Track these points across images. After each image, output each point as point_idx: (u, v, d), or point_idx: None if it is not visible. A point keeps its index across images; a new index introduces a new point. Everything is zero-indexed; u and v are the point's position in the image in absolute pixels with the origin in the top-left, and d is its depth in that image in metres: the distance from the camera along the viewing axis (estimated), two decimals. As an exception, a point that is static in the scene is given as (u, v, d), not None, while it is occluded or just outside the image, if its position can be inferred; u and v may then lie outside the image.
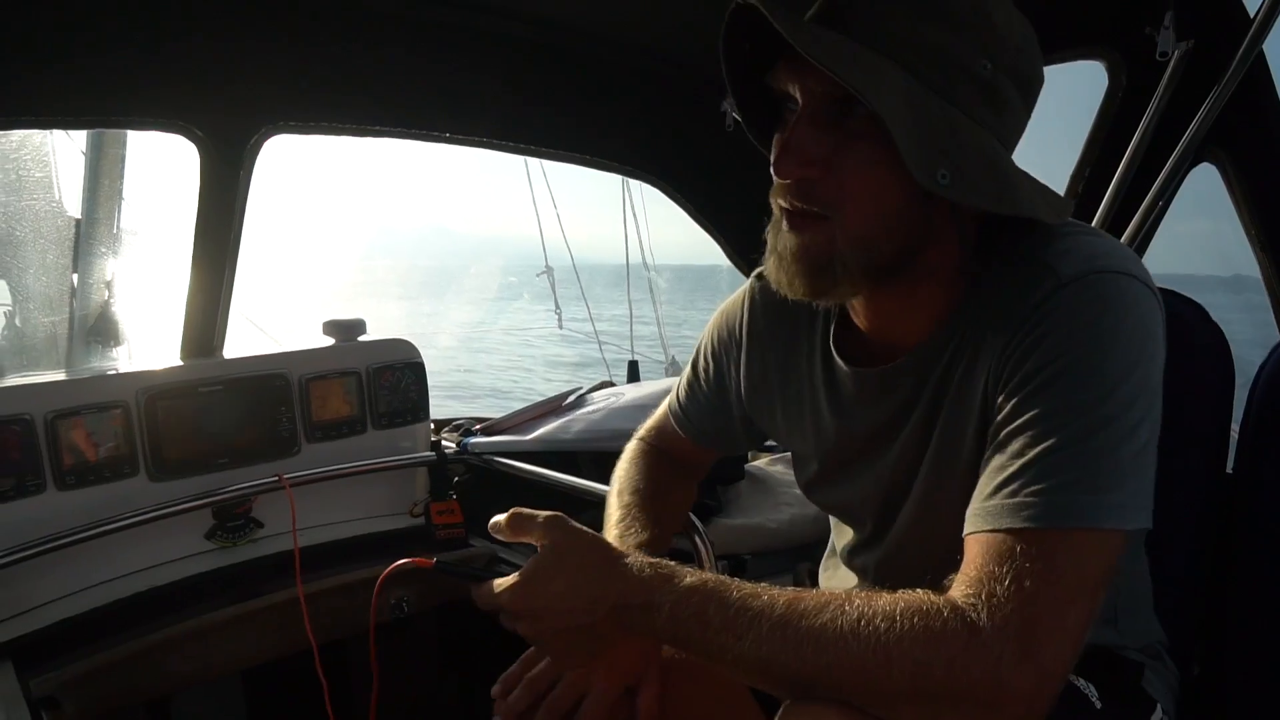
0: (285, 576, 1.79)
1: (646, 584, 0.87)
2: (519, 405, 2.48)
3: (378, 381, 2.14)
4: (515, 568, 0.95)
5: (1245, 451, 1.27)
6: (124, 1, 1.56)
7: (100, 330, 2.64)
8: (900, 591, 0.79)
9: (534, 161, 6.04)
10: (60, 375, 1.81)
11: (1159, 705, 1.05)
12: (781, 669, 0.79)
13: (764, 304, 1.18)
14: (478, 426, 2.40)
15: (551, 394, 2.55)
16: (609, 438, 2.19)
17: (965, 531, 0.83)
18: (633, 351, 6.15)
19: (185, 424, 1.85)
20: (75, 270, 2.67)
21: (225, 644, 1.70)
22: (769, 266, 0.95)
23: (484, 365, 17.20)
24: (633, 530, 1.18)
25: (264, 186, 1.91)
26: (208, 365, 1.93)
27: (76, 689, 1.48)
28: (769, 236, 0.96)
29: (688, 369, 1.32)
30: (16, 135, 2.60)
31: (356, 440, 2.11)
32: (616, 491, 1.29)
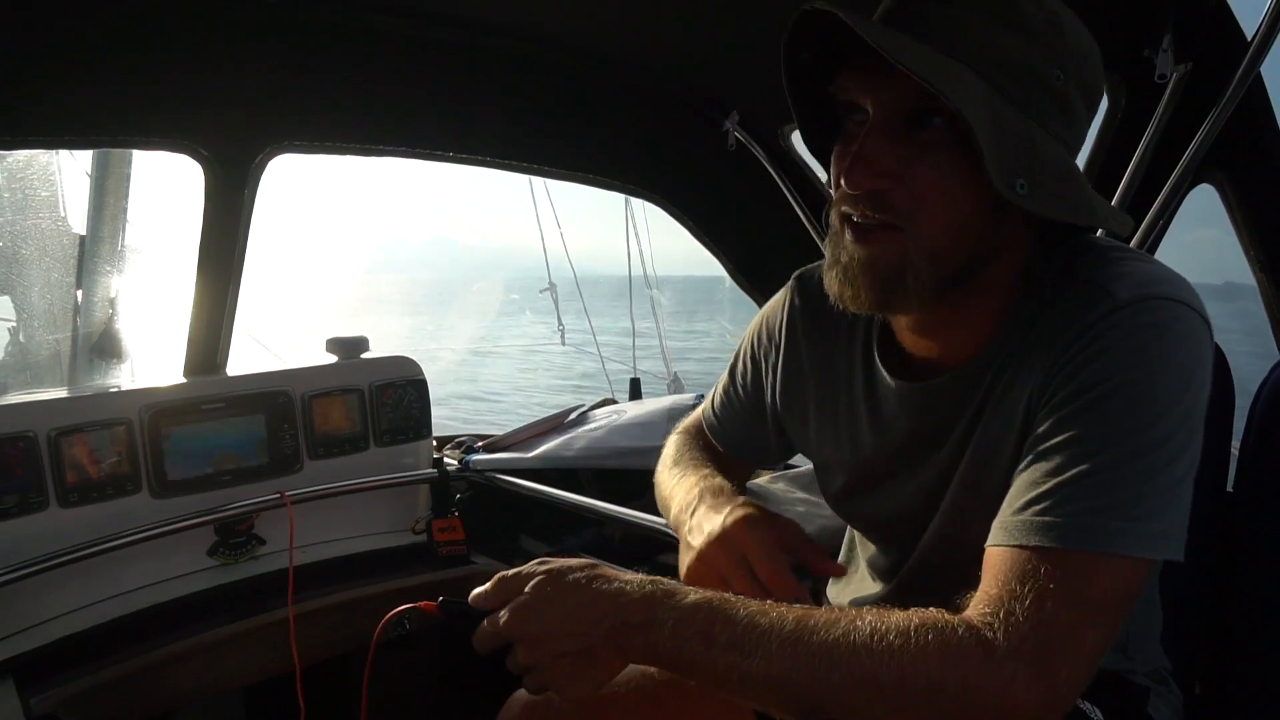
0: (287, 594, 1.79)
1: (647, 600, 0.84)
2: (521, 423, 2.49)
3: (380, 399, 2.14)
4: None
5: (1246, 470, 1.28)
6: (129, 23, 1.58)
7: (104, 347, 2.65)
8: (913, 609, 0.78)
9: (537, 178, 6.06)
10: (63, 392, 1.81)
11: None
12: (792, 687, 0.77)
13: (803, 307, 1.17)
14: (480, 444, 2.41)
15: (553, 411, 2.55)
16: (611, 455, 2.19)
17: (989, 542, 0.82)
18: (635, 369, 6.15)
19: (188, 441, 1.85)
20: (79, 287, 2.68)
21: (227, 661, 1.70)
22: (828, 279, 0.92)
23: (486, 377, 17.24)
24: (707, 472, 1.21)
25: (267, 198, 1.92)
26: (211, 382, 1.94)
27: (77, 707, 1.48)
28: (827, 249, 0.93)
29: (724, 376, 1.30)
30: (23, 155, 2.62)
31: (359, 457, 2.12)
32: (672, 463, 1.29)
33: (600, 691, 0.90)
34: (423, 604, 1.02)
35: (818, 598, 1.36)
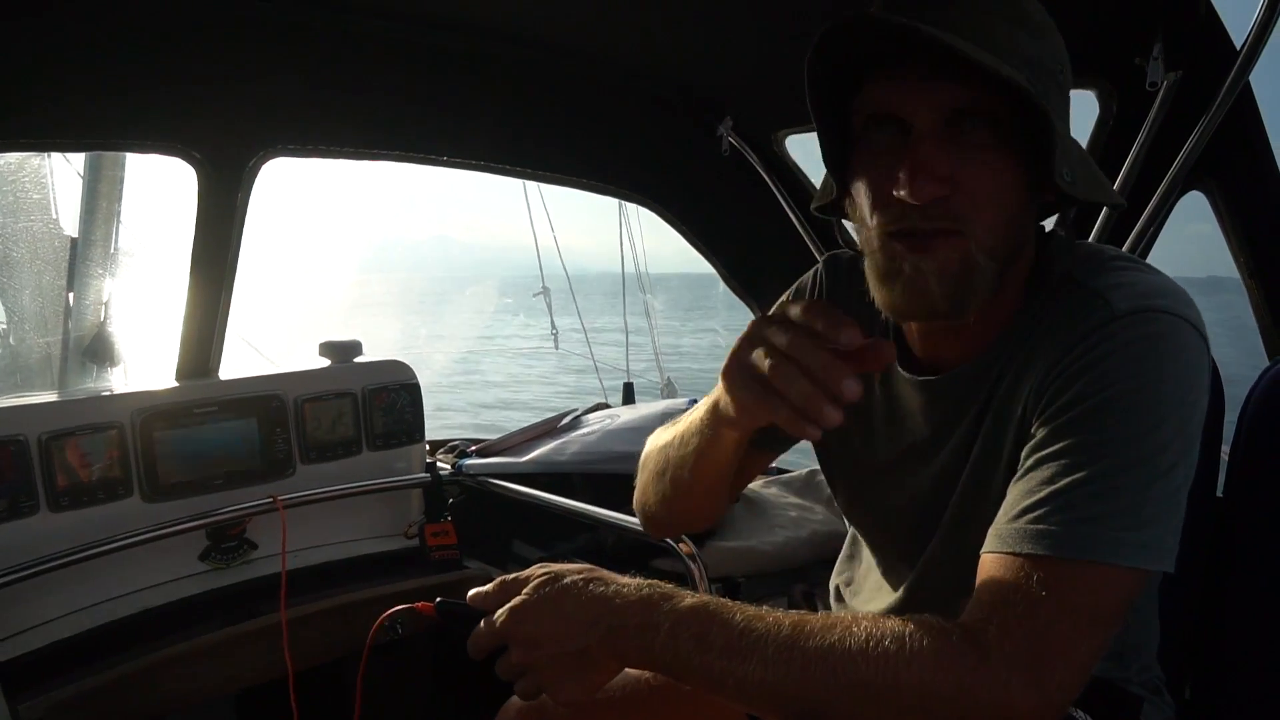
0: (279, 598, 1.79)
1: (644, 604, 0.84)
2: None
3: (373, 403, 2.14)
4: None
5: (1236, 474, 1.28)
6: (123, 25, 1.57)
7: (95, 351, 2.64)
8: (910, 615, 0.79)
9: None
10: (54, 396, 1.81)
11: None
12: (787, 692, 0.77)
13: (831, 294, 1.16)
14: (473, 448, 2.40)
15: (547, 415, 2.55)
16: (604, 460, 2.19)
17: (984, 549, 0.82)
18: (629, 373, 6.14)
19: (180, 445, 1.84)
20: (70, 290, 2.67)
21: (218, 666, 1.69)
22: (887, 294, 0.90)
23: (480, 383, 17.20)
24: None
25: (263, 194, 1.91)
26: (203, 386, 1.94)
27: (67, 713, 1.47)
28: (875, 265, 0.90)
29: None
30: (15, 157, 2.61)
31: (352, 461, 2.11)
32: (656, 438, 1.22)
33: (595, 696, 0.90)
34: (419, 605, 1.01)
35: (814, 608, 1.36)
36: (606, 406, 2.68)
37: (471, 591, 0.94)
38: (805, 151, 2.11)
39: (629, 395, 3.10)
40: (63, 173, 2.68)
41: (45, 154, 2.61)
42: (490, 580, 0.93)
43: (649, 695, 1.14)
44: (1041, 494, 0.80)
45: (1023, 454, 0.86)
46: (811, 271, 1.21)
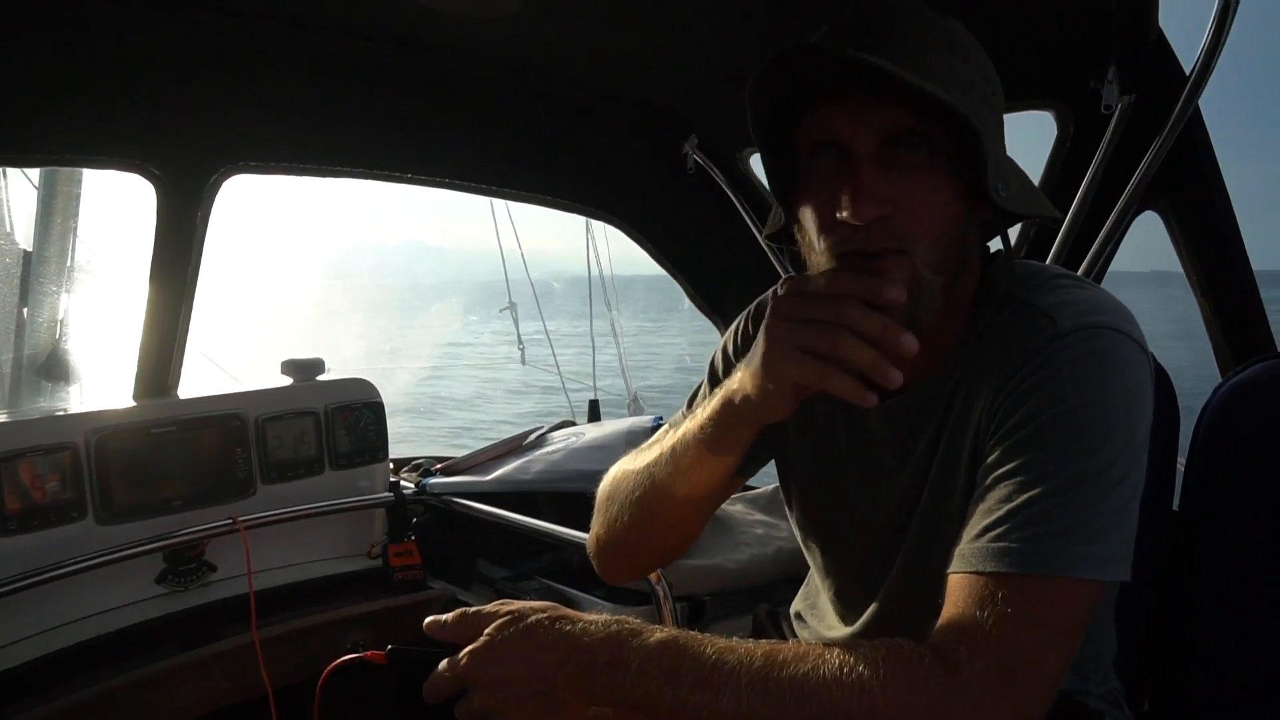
0: (239, 621, 1.75)
1: (612, 640, 0.83)
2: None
3: (336, 421, 2.12)
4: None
5: (1191, 488, 1.31)
6: (79, 40, 1.55)
7: (50, 369, 2.59)
8: (880, 639, 0.79)
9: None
10: (4, 416, 1.77)
11: None
12: None
13: None
14: (437, 466, 2.38)
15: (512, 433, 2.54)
16: (569, 478, 2.18)
17: (950, 570, 0.83)
18: (595, 390, 6.13)
19: (136, 466, 1.81)
20: (24, 305, 2.62)
21: (176, 692, 1.66)
22: None
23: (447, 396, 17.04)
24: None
25: (224, 199, 1.88)
26: (161, 406, 1.90)
27: None
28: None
29: (703, 379, 1.25)
30: (-34, 171, 2.57)
31: (314, 481, 2.09)
32: (628, 461, 1.18)
33: None
34: (369, 654, 0.97)
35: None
36: (572, 424, 2.67)
37: (429, 619, 0.92)
38: (770, 170, 2.12)
39: (594, 413, 3.09)
40: (18, 184, 2.63)
41: (-1, 168, 2.57)
42: (453, 601, 0.91)
43: None
44: (1000, 512, 0.82)
45: (980, 473, 0.87)
46: (770, 291, 1.20)
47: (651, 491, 1.09)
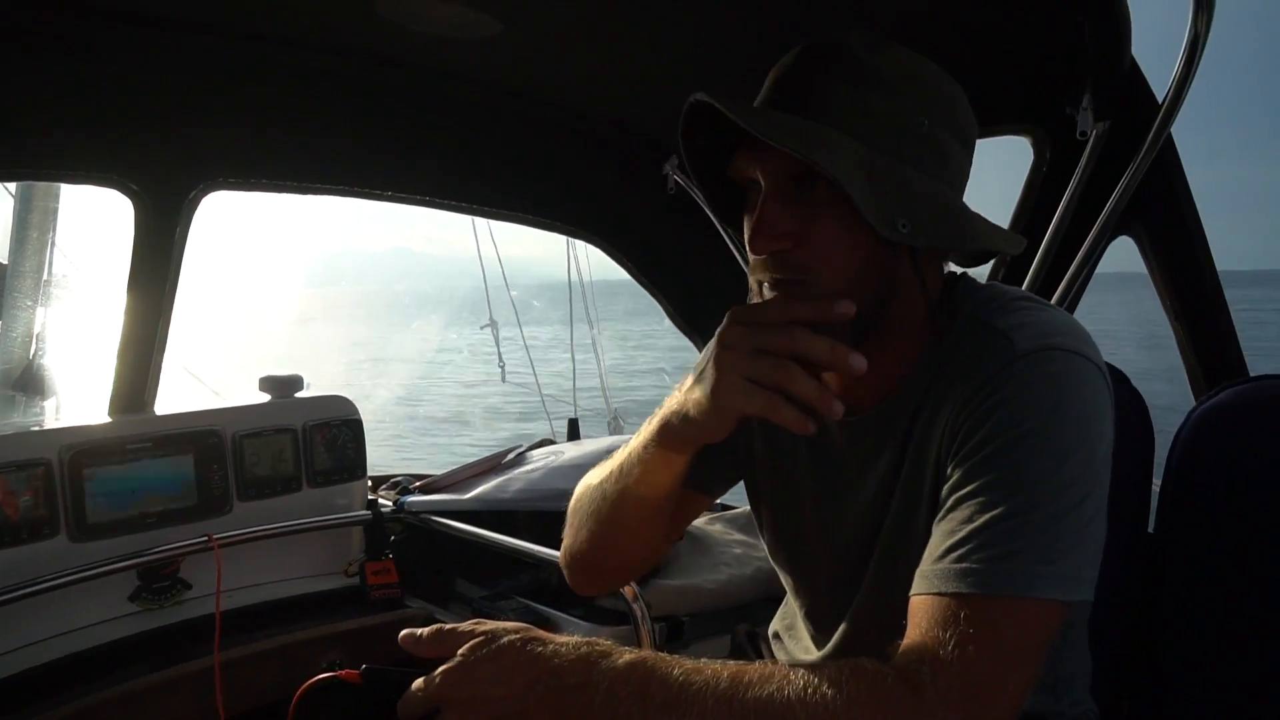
0: (213, 640, 1.73)
1: (582, 662, 0.84)
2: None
3: (314, 438, 2.11)
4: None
5: (1165, 512, 1.32)
6: (58, 54, 1.55)
7: (25, 383, 2.56)
8: (845, 661, 0.80)
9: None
10: None
11: None
12: None
13: None
14: (415, 484, 2.37)
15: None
16: (548, 497, 2.17)
17: (913, 591, 0.85)
18: (575, 408, 6.13)
19: (111, 482, 1.79)
20: (-1, 318, 2.60)
21: (148, 712, 1.63)
22: None
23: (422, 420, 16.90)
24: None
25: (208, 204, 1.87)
26: (137, 422, 1.89)
27: None
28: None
29: None
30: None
31: (291, 498, 2.07)
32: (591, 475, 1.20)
33: None
34: (344, 673, 0.97)
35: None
36: (551, 442, 2.67)
37: (404, 632, 0.92)
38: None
39: (574, 431, 3.09)
40: (-4, 193, 2.61)
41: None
42: (431, 620, 0.90)
43: None
44: (962, 533, 0.83)
45: (942, 494, 0.89)
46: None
47: (606, 508, 1.12)
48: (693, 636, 1.83)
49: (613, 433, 5.68)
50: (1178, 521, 1.31)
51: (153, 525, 1.84)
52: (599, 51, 1.73)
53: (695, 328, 2.46)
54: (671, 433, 0.98)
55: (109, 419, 1.89)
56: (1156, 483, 1.36)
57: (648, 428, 1.03)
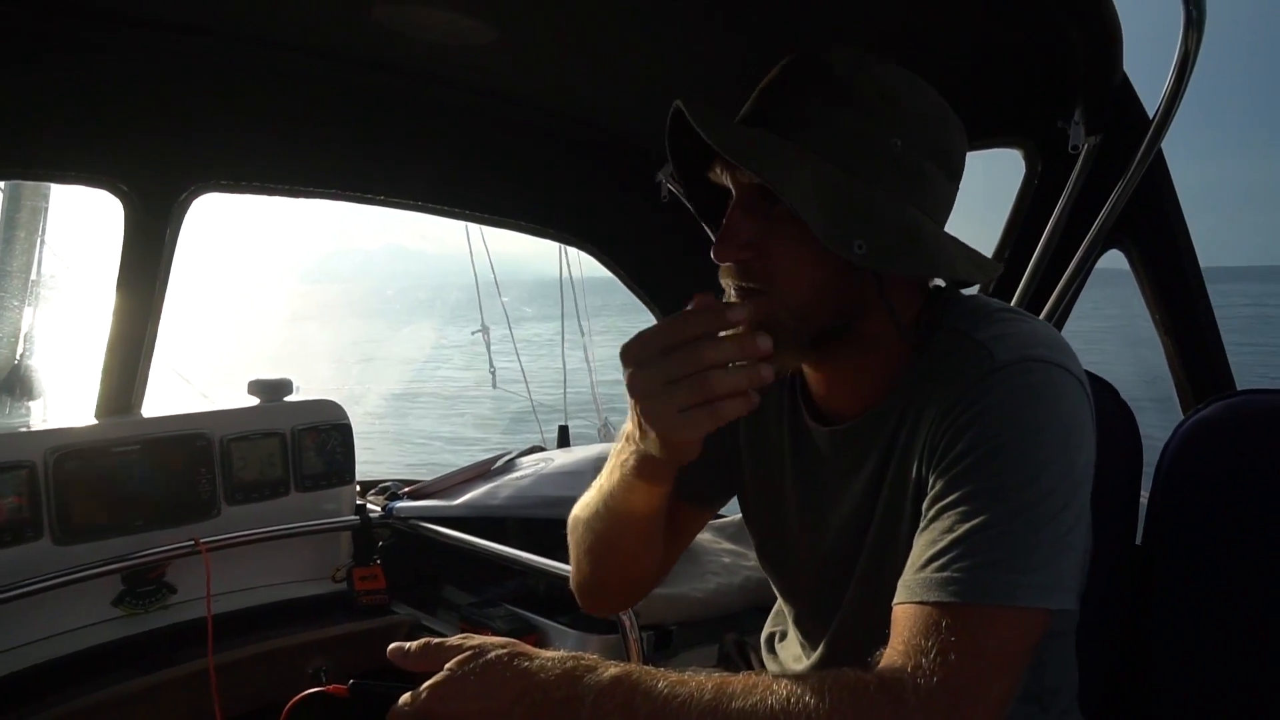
0: (198, 645, 1.72)
1: (567, 677, 0.84)
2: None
3: (303, 442, 2.10)
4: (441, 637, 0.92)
5: (1153, 525, 1.32)
6: (48, 54, 1.54)
7: (11, 385, 2.54)
8: (828, 670, 0.80)
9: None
10: None
11: None
12: None
13: None
14: (404, 490, 2.36)
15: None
16: (537, 505, 2.17)
17: (895, 600, 0.85)
18: (566, 416, 6.12)
19: (97, 485, 1.78)
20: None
21: (132, 718, 1.62)
22: None
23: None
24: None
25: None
26: (124, 424, 1.88)
27: None
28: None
29: None
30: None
31: (279, 503, 2.06)
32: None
33: None
34: (331, 688, 0.97)
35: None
36: (541, 449, 2.66)
37: (392, 646, 0.92)
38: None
39: (564, 438, 3.09)
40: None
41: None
42: (418, 626, 0.90)
43: None
44: (943, 543, 0.84)
45: (924, 504, 0.90)
46: None
47: (600, 537, 1.13)
48: (681, 645, 1.82)
49: (603, 440, 5.67)
50: (1165, 534, 1.31)
51: (139, 529, 1.83)
52: (593, 60, 1.73)
53: (687, 336, 2.46)
54: (646, 465, 0.99)
55: (95, 421, 1.88)
56: (1144, 496, 1.36)
57: (619, 459, 1.03)
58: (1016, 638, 0.80)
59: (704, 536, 2.20)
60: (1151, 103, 1.42)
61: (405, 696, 0.87)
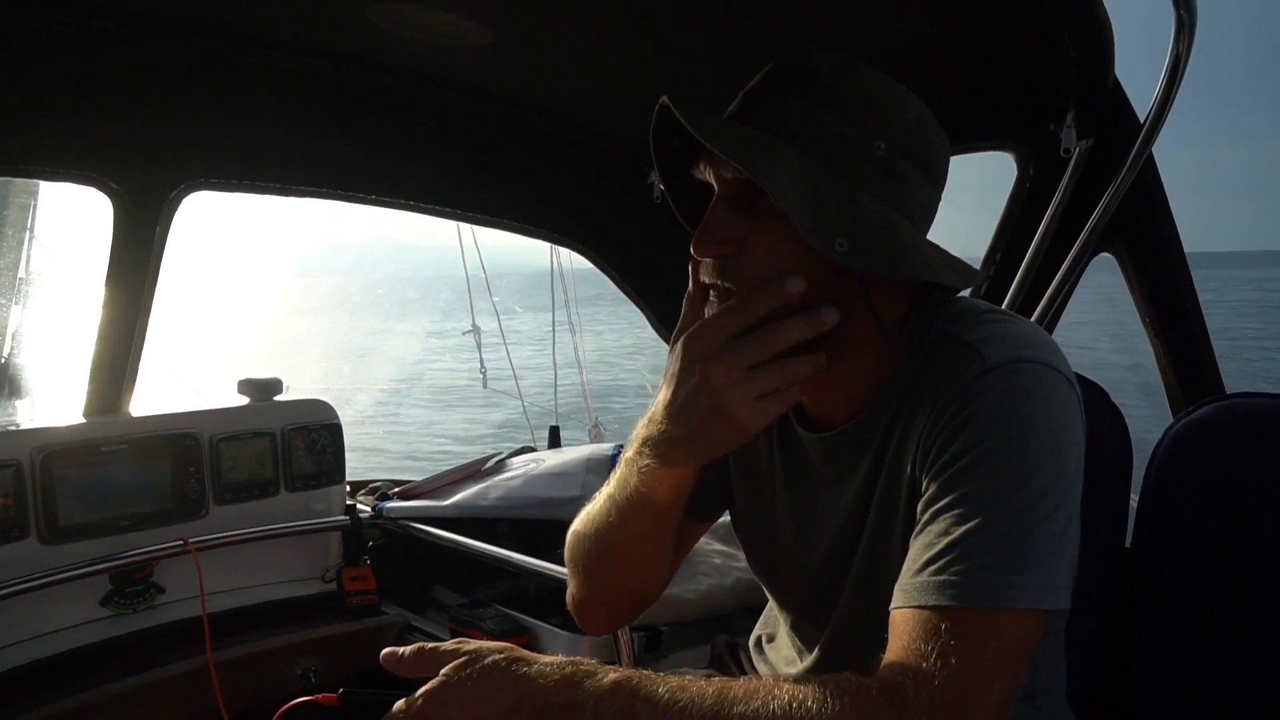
0: (187, 646, 1.71)
1: (566, 682, 0.83)
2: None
3: (293, 442, 2.09)
4: (431, 638, 0.91)
5: (1143, 527, 1.33)
6: (39, 50, 1.53)
7: (-2, 383, 2.53)
8: (828, 675, 0.80)
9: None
10: None
11: None
12: None
13: None
14: (394, 490, 2.36)
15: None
16: (528, 505, 2.17)
17: (893, 605, 0.85)
18: (556, 416, 6.12)
19: (84, 485, 1.77)
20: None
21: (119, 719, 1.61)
22: None
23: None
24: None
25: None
26: (112, 424, 1.86)
27: None
28: (699, 311, 1.00)
29: None
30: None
31: (269, 503, 2.05)
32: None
33: None
34: (321, 696, 0.96)
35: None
36: (532, 450, 2.66)
37: (385, 652, 0.91)
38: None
39: (555, 439, 3.08)
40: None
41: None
42: (407, 628, 0.89)
43: None
44: (939, 546, 0.84)
45: (918, 508, 0.89)
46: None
47: (609, 553, 1.11)
48: (671, 646, 1.82)
49: (593, 440, 5.67)
50: (1155, 536, 1.31)
51: (126, 529, 1.82)
52: (587, 62, 1.73)
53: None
54: (676, 452, 0.95)
55: (83, 420, 1.87)
56: (1134, 498, 1.37)
57: (635, 466, 1.00)
58: (1016, 639, 0.81)
59: (695, 538, 2.20)
60: (1142, 107, 1.42)
61: (399, 704, 0.86)
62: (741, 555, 2.09)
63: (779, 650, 1.22)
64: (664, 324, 2.47)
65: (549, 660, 0.86)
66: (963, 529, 0.83)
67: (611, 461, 1.37)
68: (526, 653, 0.88)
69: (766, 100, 0.94)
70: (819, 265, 0.90)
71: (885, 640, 0.84)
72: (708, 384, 0.89)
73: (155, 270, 1.83)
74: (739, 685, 0.81)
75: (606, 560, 1.12)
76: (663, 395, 0.95)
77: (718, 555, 2.11)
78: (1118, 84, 1.44)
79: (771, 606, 1.27)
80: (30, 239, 2.60)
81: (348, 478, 2.23)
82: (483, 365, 6.93)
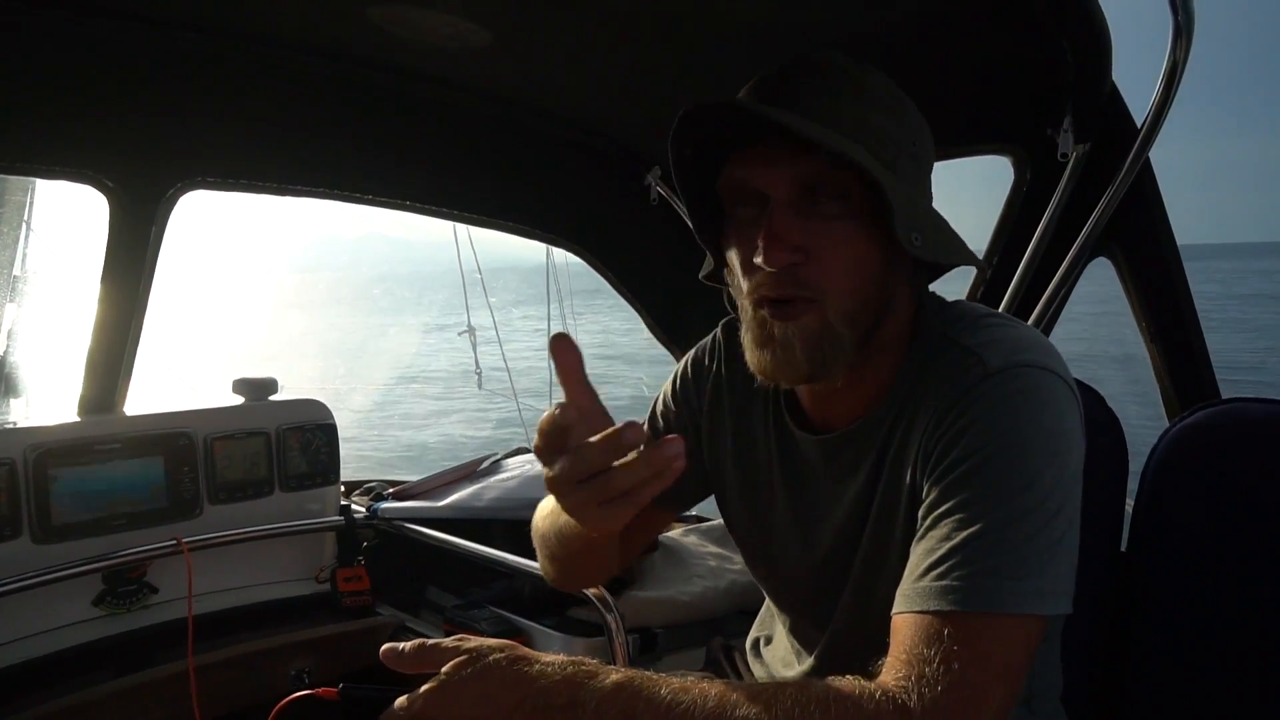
0: (180, 646, 1.71)
1: (568, 682, 0.82)
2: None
3: (287, 442, 2.08)
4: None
5: (1139, 531, 1.33)
6: (35, 47, 1.53)
7: (-8, 381, 2.52)
8: (831, 679, 0.80)
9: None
10: None
11: None
12: None
13: (727, 355, 1.19)
14: (389, 491, 2.35)
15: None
16: (523, 507, 2.16)
17: (894, 610, 0.85)
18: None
19: (78, 484, 1.76)
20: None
21: (112, 719, 1.60)
22: (758, 358, 0.95)
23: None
24: None
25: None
26: (106, 422, 1.86)
27: None
28: (749, 331, 0.96)
29: (648, 415, 1.27)
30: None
31: (263, 502, 2.05)
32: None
33: None
34: (321, 690, 0.95)
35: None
36: (527, 451, 2.65)
37: (385, 647, 0.90)
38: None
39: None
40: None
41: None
42: (402, 628, 0.89)
43: None
44: (941, 551, 0.84)
45: (920, 513, 0.90)
46: (710, 336, 1.23)
47: (557, 543, 1.15)
48: (666, 648, 1.82)
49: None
50: (1151, 541, 1.32)
51: (120, 528, 1.81)
52: (585, 63, 1.72)
53: (673, 338, 2.46)
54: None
55: (77, 419, 1.86)
56: (1130, 503, 1.37)
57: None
58: (1018, 644, 0.81)
59: (689, 540, 2.20)
60: (1139, 112, 1.43)
61: (400, 700, 0.85)
62: (736, 558, 2.10)
63: (776, 652, 1.22)
64: (660, 325, 2.47)
65: (551, 660, 0.85)
66: (964, 534, 0.83)
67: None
68: (528, 651, 0.87)
69: (813, 92, 0.91)
70: (880, 264, 0.92)
71: (884, 642, 0.84)
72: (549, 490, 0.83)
73: (151, 269, 1.83)
74: (741, 688, 0.80)
75: (562, 554, 1.16)
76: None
77: (712, 558, 2.11)
78: (1115, 89, 1.44)
79: (768, 609, 1.27)
80: (26, 235, 2.59)
81: (342, 478, 2.23)
82: (478, 366, 6.93)
